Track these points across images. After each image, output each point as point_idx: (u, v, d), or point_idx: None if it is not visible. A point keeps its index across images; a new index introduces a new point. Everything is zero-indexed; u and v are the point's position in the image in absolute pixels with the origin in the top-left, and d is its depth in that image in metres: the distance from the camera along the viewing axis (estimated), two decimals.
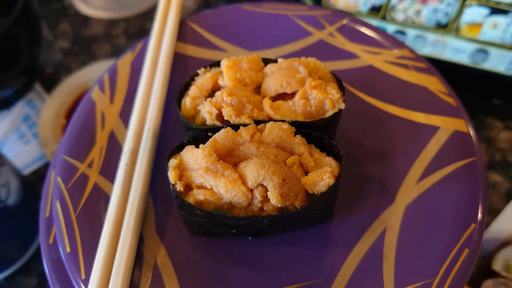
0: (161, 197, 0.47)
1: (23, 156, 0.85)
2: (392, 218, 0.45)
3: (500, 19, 0.77)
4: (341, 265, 0.42)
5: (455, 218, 0.43)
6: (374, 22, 0.83)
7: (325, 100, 0.41)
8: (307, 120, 0.42)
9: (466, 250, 0.41)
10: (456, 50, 0.83)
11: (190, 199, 0.39)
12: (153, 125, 0.48)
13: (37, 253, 0.75)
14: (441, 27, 0.81)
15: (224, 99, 0.41)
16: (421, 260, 0.42)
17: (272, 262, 0.43)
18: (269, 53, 0.55)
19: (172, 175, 0.39)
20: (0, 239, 0.69)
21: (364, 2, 0.82)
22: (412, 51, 0.53)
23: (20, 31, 0.83)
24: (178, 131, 0.51)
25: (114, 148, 0.49)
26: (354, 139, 0.50)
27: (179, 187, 0.39)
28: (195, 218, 0.40)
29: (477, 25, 0.79)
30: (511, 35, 0.78)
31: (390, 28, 0.84)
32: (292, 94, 0.43)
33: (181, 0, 0.57)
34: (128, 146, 0.47)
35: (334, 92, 0.42)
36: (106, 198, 0.46)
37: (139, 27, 1.01)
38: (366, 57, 0.53)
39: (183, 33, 0.56)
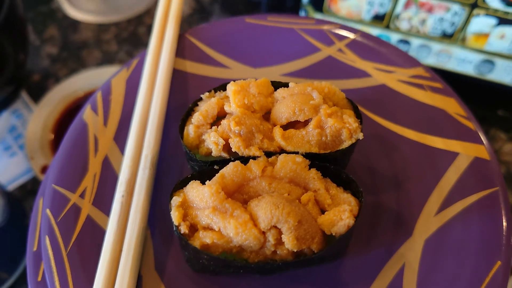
0: (160, 228, 0.44)
1: (9, 169, 0.81)
2: (411, 254, 0.41)
3: (508, 30, 0.74)
4: None
5: (479, 255, 0.40)
6: (378, 31, 0.80)
7: (342, 129, 0.38)
8: (322, 151, 0.38)
9: None
10: (462, 61, 0.81)
11: (196, 243, 0.35)
12: (151, 152, 0.44)
13: (25, 273, 0.71)
14: (447, 36, 0.78)
15: (232, 128, 0.38)
16: None
17: None
18: (274, 70, 0.52)
19: (175, 216, 0.35)
20: None
21: (367, 10, 0.79)
22: (427, 69, 0.50)
23: (5, 37, 0.79)
24: (177, 156, 0.47)
25: (108, 176, 0.46)
26: (366, 164, 0.47)
27: (184, 229, 0.35)
28: (200, 261, 0.37)
29: (484, 36, 0.77)
30: None
31: (394, 37, 0.81)
32: (305, 122, 0.40)
33: (179, 13, 0.53)
34: (124, 175, 0.43)
35: (351, 121, 0.38)
36: (101, 233, 0.42)
37: (131, 32, 0.96)
38: (378, 75, 0.50)
39: (182, 48, 0.52)
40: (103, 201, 0.44)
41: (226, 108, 0.40)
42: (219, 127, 0.39)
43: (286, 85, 0.41)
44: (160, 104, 0.47)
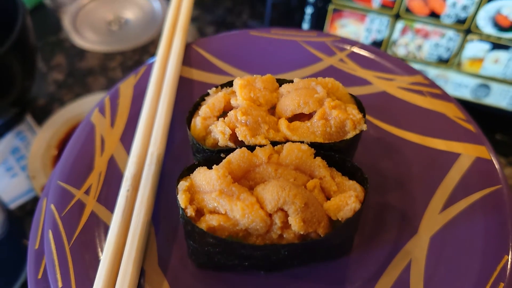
0: (164, 227, 0.43)
1: (9, 189, 0.80)
2: (417, 250, 0.41)
3: (501, 54, 0.77)
4: None
5: (486, 250, 0.40)
6: None
7: (346, 120, 0.39)
8: (326, 141, 0.39)
9: (502, 285, 0.38)
10: (458, 85, 0.83)
11: (202, 225, 0.35)
12: (157, 149, 0.45)
13: None
14: (443, 62, 0.81)
15: (239, 118, 0.38)
16: None
17: None
18: None
19: (182, 199, 0.35)
20: None
21: (366, 37, 0.82)
22: (426, 77, 0.52)
23: (14, 61, 0.81)
24: (183, 158, 0.48)
25: (114, 174, 0.46)
26: (370, 166, 0.47)
27: (190, 211, 0.35)
28: (205, 248, 0.36)
29: (479, 60, 0.79)
30: None
31: None
32: (310, 115, 0.41)
33: (186, 25, 0.55)
34: (130, 171, 0.43)
35: (355, 113, 0.39)
36: (104, 228, 0.42)
37: (135, 60, 0.99)
38: (379, 83, 0.52)
39: (188, 57, 0.54)
40: (108, 198, 0.44)
41: (233, 102, 0.41)
42: (225, 118, 0.39)
43: (291, 81, 0.43)
44: (167, 107, 0.48)
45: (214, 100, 0.41)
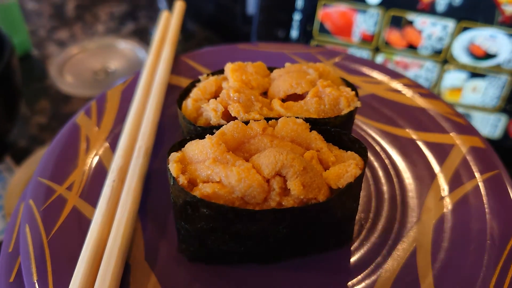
0: (152, 223, 0.40)
1: None
2: (421, 237, 0.39)
3: (479, 83, 0.80)
4: None
5: (492, 232, 0.38)
6: None
7: (340, 98, 0.39)
8: (321, 117, 0.38)
9: None
10: None
11: (196, 193, 0.32)
12: (145, 143, 0.43)
13: None
14: None
15: (231, 95, 0.38)
16: (464, 281, 0.35)
17: None
18: None
19: (173, 167, 0.33)
20: None
21: None
22: (411, 80, 0.53)
23: None
24: None
25: (98, 173, 0.43)
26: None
27: (182, 180, 0.33)
28: (197, 226, 0.34)
29: (458, 89, 0.82)
30: (490, 97, 0.81)
31: None
32: (302, 96, 0.40)
33: (176, 37, 0.56)
34: (116, 163, 0.41)
35: (348, 90, 0.39)
36: (87, 224, 0.39)
37: None
38: (367, 87, 0.52)
39: (177, 67, 0.54)
40: (92, 195, 0.41)
41: (224, 86, 0.41)
42: (217, 98, 0.39)
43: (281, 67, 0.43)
44: (156, 101, 0.47)
45: (206, 84, 0.40)
